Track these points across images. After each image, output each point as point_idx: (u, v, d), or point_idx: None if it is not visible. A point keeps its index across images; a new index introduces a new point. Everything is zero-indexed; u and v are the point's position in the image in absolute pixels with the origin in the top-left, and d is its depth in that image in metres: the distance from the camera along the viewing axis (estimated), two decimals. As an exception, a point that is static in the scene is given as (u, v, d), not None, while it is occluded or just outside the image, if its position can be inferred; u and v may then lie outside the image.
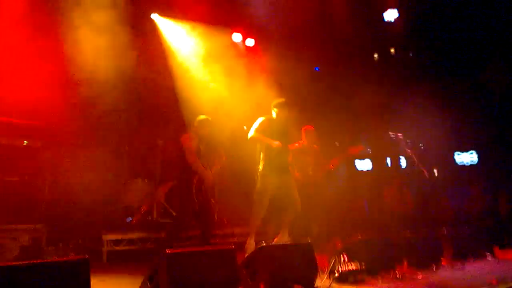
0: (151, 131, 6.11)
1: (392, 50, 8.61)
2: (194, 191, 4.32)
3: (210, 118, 4.76)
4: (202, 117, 4.68)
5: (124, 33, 5.50)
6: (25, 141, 4.43)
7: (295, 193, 4.71)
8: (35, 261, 2.35)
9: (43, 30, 5.17)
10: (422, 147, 8.16)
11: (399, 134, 5.79)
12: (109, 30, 5.38)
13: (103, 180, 5.81)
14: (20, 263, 2.27)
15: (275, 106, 4.73)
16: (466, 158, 8.85)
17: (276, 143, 4.45)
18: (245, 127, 5.31)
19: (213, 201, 5.40)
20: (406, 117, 7.60)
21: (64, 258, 2.47)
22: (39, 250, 4.26)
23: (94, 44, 5.31)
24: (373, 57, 8.70)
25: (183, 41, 6.78)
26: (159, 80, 6.56)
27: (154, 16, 6.55)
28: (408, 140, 6.52)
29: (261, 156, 4.69)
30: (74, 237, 4.84)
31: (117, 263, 4.43)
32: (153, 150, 5.85)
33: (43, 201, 4.57)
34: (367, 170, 9.32)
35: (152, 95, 6.43)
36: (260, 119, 4.62)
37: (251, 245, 4.40)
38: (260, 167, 4.66)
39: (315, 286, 3.34)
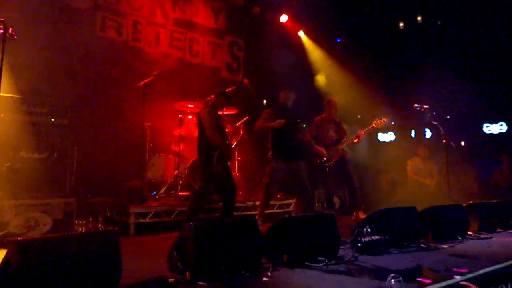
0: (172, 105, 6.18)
1: (419, 18, 8.23)
2: (214, 165, 4.39)
3: (228, 93, 4.79)
4: (221, 91, 4.72)
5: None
6: (52, 119, 4.54)
7: (304, 180, 4.81)
8: (68, 233, 2.44)
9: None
10: (449, 118, 7.94)
11: (425, 106, 5.65)
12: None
13: (128, 156, 5.98)
14: (54, 235, 2.36)
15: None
16: (495, 129, 8.55)
17: (278, 121, 4.50)
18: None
19: (235, 174, 5.53)
20: (433, 88, 7.36)
21: (95, 230, 2.56)
22: (70, 223, 4.43)
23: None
24: (399, 25, 8.36)
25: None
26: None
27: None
28: (434, 112, 6.38)
29: (270, 144, 4.78)
30: (103, 210, 5.02)
31: (144, 235, 4.57)
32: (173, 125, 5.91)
33: (72, 176, 4.72)
34: (390, 141, 9.18)
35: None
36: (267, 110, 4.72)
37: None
38: (270, 155, 4.74)
39: (337, 256, 3.37)
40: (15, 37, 2.72)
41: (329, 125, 6.04)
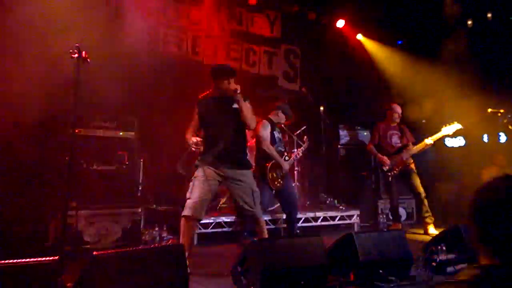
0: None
1: (489, 15, 7.59)
2: (268, 176, 4.37)
3: (286, 105, 4.78)
4: (283, 106, 4.73)
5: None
6: (121, 133, 4.78)
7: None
8: (139, 248, 2.54)
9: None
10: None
11: (501, 110, 5.16)
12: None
13: (191, 167, 6.13)
14: (126, 249, 2.45)
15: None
16: None
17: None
18: None
19: (296, 185, 5.46)
20: (509, 90, 6.74)
21: (163, 245, 2.65)
22: (138, 232, 4.61)
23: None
24: (467, 24, 7.78)
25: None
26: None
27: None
28: (509, 115, 5.83)
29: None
30: (168, 219, 5.18)
31: (207, 245, 4.64)
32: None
33: (139, 187, 4.93)
34: (459, 147, 8.52)
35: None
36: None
37: None
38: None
39: (410, 275, 3.15)
40: (88, 60, 2.88)
41: (392, 132, 5.74)
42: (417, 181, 5.54)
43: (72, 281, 2.56)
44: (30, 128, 4.40)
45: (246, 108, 3.47)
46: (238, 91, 3.39)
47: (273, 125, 4.66)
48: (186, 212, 3.40)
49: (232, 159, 3.51)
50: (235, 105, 3.49)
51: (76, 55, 2.83)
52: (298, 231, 4.73)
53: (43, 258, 2.37)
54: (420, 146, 5.44)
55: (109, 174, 4.66)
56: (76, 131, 4.37)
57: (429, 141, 5.36)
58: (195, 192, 3.41)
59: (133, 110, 5.27)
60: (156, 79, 6.12)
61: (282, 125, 5.46)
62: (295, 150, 5.27)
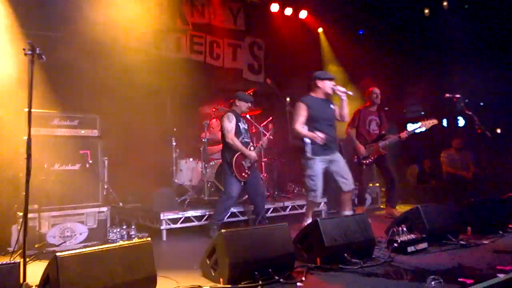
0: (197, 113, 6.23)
1: (445, 3, 7.89)
2: (234, 168, 4.46)
3: (249, 94, 4.81)
4: (240, 94, 4.76)
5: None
6: (82, 131, 4.65)
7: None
8: (105, 247, 2.51)
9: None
10: (482, 105, 7.60)
11: (457, 95, 5.37)
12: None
13: (156, 162, 6.07)
14: (91, 250, 2.42)
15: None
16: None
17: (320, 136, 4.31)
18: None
19: (263, 176, 5.52)
20: (463, 75, 7.06)
21: (130, 242, 2.63)
22: (104, 232, 4.53)
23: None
24: (424, 12, 8.05)
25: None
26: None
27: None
28: (466, 100, 6.07)
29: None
30: (135, 217, 5.12)
31: (175, 240, 4.63)
32: (199, 131, 5.95)
33: (104, 186, 4.83)
34: (420, 132, 8.85)
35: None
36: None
37: None
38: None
39: (373, 257, 3.28)
40: (43, 57, 2.78)
41: (372, 117, 5.77)
42: (391, 167, 5.69)
43: (36, 284, 2.51)
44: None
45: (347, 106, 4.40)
46: (348, 93, 4.28)
47: (238, 117, 4.68)
48: (314, 198, 4.38)
49: (336, 146, 4.44)
50: (332, 105, 4.45)
51: (30, 52, 2.72)
52: (266, 221, 4.79)
53: (4, 262, 2.32)
54: (395, 138, 5.49)
55: (72, 174, 4.53)
56: (35, 130, 4.24)
57: (404, 135, 5.41)
58: (319, 182, 4.31)
59: (96, 107, 5.15)
60: (120, 75, 5.97)
61: (248, 117, 5.48)
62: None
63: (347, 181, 4.36)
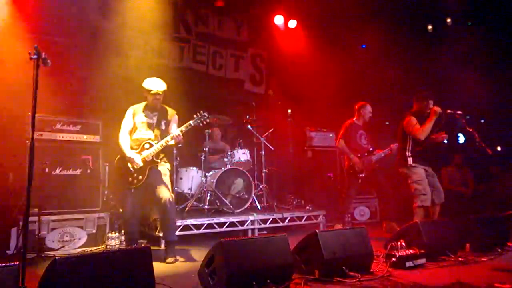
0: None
1: (449, 20, 7.96)
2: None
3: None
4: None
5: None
6: (84, 136, 4.68)
7: None
8: (104, 251, 2.51)
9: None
10: (483, 122, 7.63)
11: (458, 112, 5.39)
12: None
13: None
14: (90, 253, 2.42)
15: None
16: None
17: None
18: None
19: (263, 186, 5.52)
20: (465, 92, 7.09)
21: (129, 249, 2.63)
22: (103, 237, 4.53)
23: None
24: (427, 28, 8.13)
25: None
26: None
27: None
28: (467, 116, 6.08)
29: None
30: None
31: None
32: (200, 139, 5.97)
33: (104, 191, 4.84)
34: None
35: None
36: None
37: None
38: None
39: (371, 271, 3.28)
40: (49, 61, 2.81)
41: (361, 132, 5.78)
42: (384, 181, 5.70)
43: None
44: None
45: None
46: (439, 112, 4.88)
47: None
48: (426, 203, 4.65)
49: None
50: None
51: (35, 56, 2.75)
52: (265, 232, 4.78)
53: (3, 265, 2.32)
54: (386, 151, 5.49)
55: (73, 178, 4.55)
56: (38, 135, 4.27)
57: (394, 147, 5.43)
58: (427, 186, 4.73)
59: (99, 113, 5.18)
60: (123, 83, 6.02)
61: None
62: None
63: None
